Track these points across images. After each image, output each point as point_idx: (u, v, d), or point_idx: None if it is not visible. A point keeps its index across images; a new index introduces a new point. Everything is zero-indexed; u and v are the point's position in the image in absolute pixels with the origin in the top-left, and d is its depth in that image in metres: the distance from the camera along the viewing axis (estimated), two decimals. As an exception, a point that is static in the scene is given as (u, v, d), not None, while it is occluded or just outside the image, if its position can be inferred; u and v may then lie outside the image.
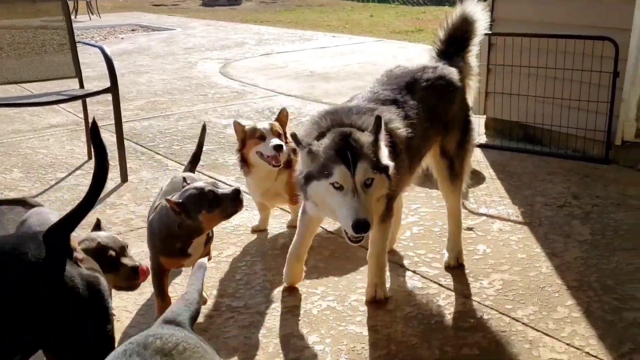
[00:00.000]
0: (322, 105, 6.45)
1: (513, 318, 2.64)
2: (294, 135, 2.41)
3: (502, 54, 4.86)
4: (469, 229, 3.49)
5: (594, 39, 4.29)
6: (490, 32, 5.02)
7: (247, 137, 3.25)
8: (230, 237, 3.46)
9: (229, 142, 5.19)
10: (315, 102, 6.65)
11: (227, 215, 2.52)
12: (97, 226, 2.38)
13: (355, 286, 2.91)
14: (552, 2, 4.70)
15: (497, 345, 2.47)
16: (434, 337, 2.52)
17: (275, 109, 6.32)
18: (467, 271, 3.03)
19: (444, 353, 2.43)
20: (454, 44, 3.15)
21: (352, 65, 8.70)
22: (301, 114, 6.12)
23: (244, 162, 3.30)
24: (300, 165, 2.45)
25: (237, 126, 3.29)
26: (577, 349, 2.43)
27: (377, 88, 2.80)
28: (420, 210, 3.74)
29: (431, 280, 2.95)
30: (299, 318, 2.67)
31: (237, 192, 2.47)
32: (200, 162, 4.64)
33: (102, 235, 2.26)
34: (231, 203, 2.47)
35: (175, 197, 2.46)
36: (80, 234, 2.28)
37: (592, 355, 2.39)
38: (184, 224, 2.46)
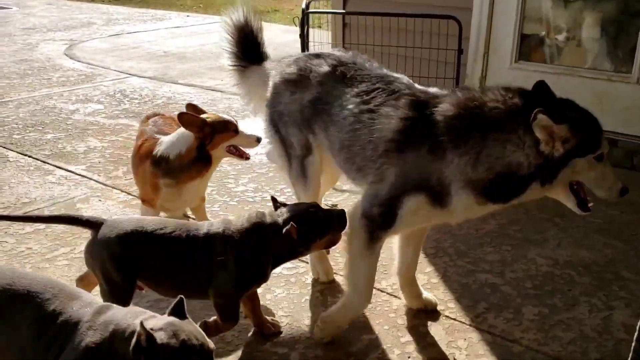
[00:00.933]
0: (179, 87, 6.23)
1: (378, 289, 2.72)
2: (549, 112, 1.94)
3: (357, 33, 4.96)
4: (333, 205, 3.54)
5: (439, 17, 4.50)
6: (343, 10, 5.13)
7: (217, 131, 2.78)
8: (83, 231, 3.17)
9: (77, 129, 4.82)
10: (171, 83, 6.39)
11: (333, 243, 2.22)
12: (180, 308, 1.61)
13: (222, 272, 2.83)
14: (401, -18, 4.87)
15: (365, 317, 2.52)
16: (304, 316, 2.52)
17: (129, 91, 6.00)
18: (333, 248, 3.07)
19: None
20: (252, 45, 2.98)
21: (208, 46, 8.46)
22: (156, 96, 5.84)
23: (203, 161, 2.82)
24: (543, 147, 1.98)
25: (195, 118, 2.76)
26: (437, 312, 2.56)
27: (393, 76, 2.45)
28: (286, 191, 3.72)
29: (300, 260, 2.95)
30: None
31: (344, 214, 2.20)
32: (46, 151, 4.31)
33: (187, 329, 1.54)
34: (339, 227, 2.19)
35: (282, 219, 2.11)
36: (150, 315, 1.64)
37: (451, 318, 2.53)
38: (286, 249, 2.15)
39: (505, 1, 4.45)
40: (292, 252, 2.19)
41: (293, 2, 13.28)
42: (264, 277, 2.21)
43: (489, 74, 4.63)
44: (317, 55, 2.61)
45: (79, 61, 7.42)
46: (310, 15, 5.09)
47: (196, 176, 2.84)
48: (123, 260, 2.12)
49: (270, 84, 2.68)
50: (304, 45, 5.03)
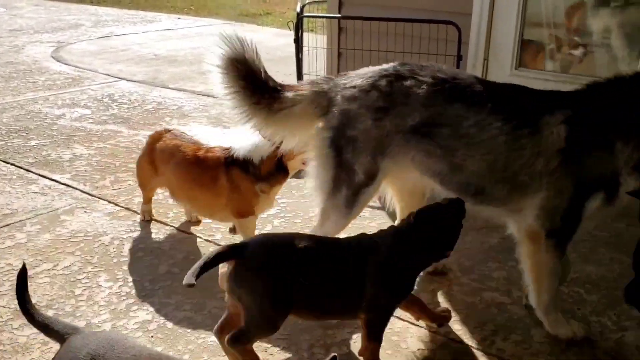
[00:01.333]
0: (169, 91, 6.06)
1: (379, 310, 2.58)
2: None
3: (353, 38, 4.83)
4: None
5: (438, 22, 4.37)
6: (339, 15, 5.00)
7: None
8: (67, 245, 3.05)
9: (63, 135, 4.65)
10: (162, 88, 6.22)
11: None
12: None
13: (214, 290, 2.67)
14: (398, -15, 4.74)
15: (366, 340, 2.38)
16: (302, 339, 2.37)
17: (117, 95, 5.84)
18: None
19: (312, 355, 2.30)
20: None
21: (199, 49, 8.29)
22: (146, 101, 5.68)
23: (282, 170, 2.84)
24: None
25: None
26: (443, 336, 2.42)
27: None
28: (280, 202, 3.58)
29: (294, 276, 2.81)
30: (152, 334, 2.38)
31: (462, 204, 2.22)
32: (30, 159, 4.13)
33: None
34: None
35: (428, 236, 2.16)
36: None
37: (457, 341, 2.39)
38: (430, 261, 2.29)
39: (505, 6, 4.32)
40: (432, 261, 2.31)
41: (285, 5, 13.15)
42: (413, 288, 2.25)
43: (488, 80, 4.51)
44: (401, 76, 2.41)
45: (66, 64, 7.23)
46: (305, 19, 4.96)
47: (282, 181, 2.89)
48: (279, 284, 2.02)
49: (337, 109, 2.45)
50: (299, 50, 4.89)
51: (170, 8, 12.80)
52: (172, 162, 2.99)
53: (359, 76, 2.51)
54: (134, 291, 2.67)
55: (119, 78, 6.59)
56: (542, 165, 2.25)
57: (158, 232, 3.20)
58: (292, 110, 2.50)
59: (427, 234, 2.14)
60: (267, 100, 2.50)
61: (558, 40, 4.39)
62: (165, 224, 3.30)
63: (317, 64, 5.17)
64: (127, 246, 3.04)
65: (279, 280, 2.02)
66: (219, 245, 3.05)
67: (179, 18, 11.36)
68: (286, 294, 2.03)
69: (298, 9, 4.92)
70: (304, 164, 2.84)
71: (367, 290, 2.08)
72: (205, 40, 8.98)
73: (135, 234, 3.17)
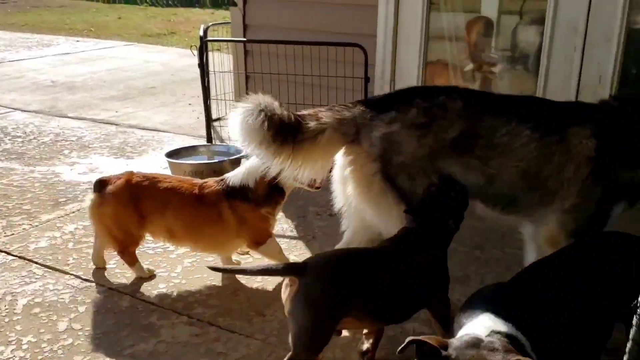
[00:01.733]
0: (68, 121, 5.71)
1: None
2: None
3: (260, 60, 4.73)
4: (244, 253, 3.27)
5: (344, 45, 4.37)
6: (244, 38, 4.90)
7: None
8: (-49, 306, 2.74)
9: (-53, 177, 4.25)
10: (60, 117, 5.86)
11: None
12: None
13: (121, 347, 2.47)
14: (304, 8, 4.70)
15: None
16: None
17: (10, 128, 5.46)
18: (247, 305, 2.79)
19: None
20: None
21: (100, 73, 7.92)
22: (42, 133, 5.31)
23: (277, 190, 2.83)
24: None
25: None
26: (366, 374, 2.35)
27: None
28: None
29: (210, 324, 2.65)
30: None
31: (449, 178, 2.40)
32: None
33: None
34: None
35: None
36: None
37: (381, 380, 2.32)
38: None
39: (408, 27, 4.37)
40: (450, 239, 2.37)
41: (190, 23, 12.92)
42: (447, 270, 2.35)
43: (397, 100, 4.54)
44: (435, 92, 2.49)
45: (-49, 95, 6.70)
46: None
47: (280, 200, 2.89)
48: (339, 297, 2.03)
49: (376, 135, 2.40)
50: (204, 74, 4.74)
51: (68, 30, 12.23)
52: (171, 207, 2.83)
53: (388, 100, 2.55)
54: (29, 355, 2.41)
55: (13, 108, 6.16)
56: (572, 173, 2.36)
57: (57, 283, 2.93)
58: (316, 140, 2.45)
59: (430, 220, 2.26)
60: (291, 136, 2.41)
61: (461, 57, 4.50)
62: (65, 272, 3.03)
63: (224, 86, 5.04)
64: (22, 302, 2.76)
65: (341, 291, 2.03)
66: (126, 294, 2.85)
67: (78, 41, 10.86)
68: (344, 305, 2.04)
69: (201, 32, 4.77)
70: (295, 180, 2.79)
71: (411, 293, 2.18)
72: (107, 64, 8.61)
73: (31, 287, 2.88)
